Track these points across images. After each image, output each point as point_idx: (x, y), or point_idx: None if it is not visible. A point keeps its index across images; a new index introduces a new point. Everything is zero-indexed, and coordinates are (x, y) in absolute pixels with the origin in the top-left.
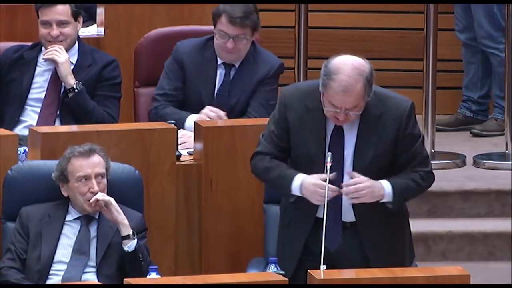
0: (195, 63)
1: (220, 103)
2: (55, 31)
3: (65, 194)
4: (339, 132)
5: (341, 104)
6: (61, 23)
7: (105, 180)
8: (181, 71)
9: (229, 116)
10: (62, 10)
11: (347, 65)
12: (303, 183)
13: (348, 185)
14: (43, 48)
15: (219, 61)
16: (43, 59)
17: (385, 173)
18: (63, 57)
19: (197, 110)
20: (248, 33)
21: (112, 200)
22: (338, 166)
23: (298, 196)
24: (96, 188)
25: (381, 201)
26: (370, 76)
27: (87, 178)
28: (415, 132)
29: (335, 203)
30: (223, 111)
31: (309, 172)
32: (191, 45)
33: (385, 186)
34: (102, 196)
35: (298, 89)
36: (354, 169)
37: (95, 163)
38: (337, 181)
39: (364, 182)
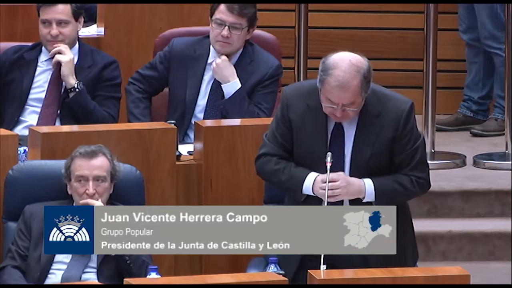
0: (184, 58)
1: (213, 100)
2: (54, 30)
3: (69, 193)
4: (339, 130)
5: (337, 100)
6: (61, 23)
7: (105, 184)
8: (164, 67)
9: (223, 116)
10: (63, 10)
11: (345, 61)
12: (316, 181)
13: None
14: (43, 48)
15: (211, 58)
16: (49, 57)
17: (384, 173)
18: (67, 56)
19: (181, 106)
20: (244, 24)
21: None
22: (338, 164)
23: (308, 195)
24: (91, 190)
25: (363, 200)
26: (368, 73)
27: (84, 179)
28: (413, 134)
29: (337, 201)
30: (215, 110)
31: (312, 171)
32: (186, 41)
33: (367, 185)
34: (92, 201)
35: (299, 88)
36: (352, 168)
37: (95, 165)
38: None
39: (339, 181)
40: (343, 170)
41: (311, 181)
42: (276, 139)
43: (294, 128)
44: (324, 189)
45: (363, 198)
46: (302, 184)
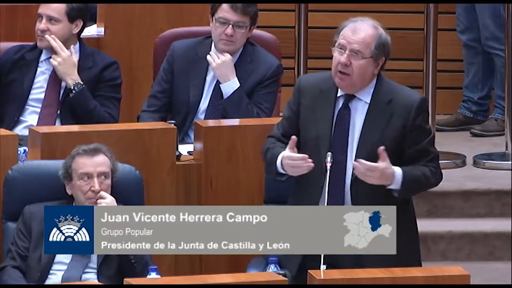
0: (187, 61)
1: (214, 101)
2: (42, 25)
3: (69, 193)
4: (346, 109)
5: (346, 42)
6: (51, 19)
7: (108, 181)
8: (170, 73)
9: (223, 117)
10: (56, 7)
11: (366, 19)
12: (283, 157)
13: (362, 164)
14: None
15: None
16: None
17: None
18: (57, 58)
19: (184, 108)
20: (248, 22)
21: (113, 201)
22: (342, 144)
23: (297, 187)
24: (97, 187)
25: (388, 187)
26: (385, 40)
27: (89, 176)
28: (426, 128)
29: (338, 201)
30: (218, 110)
31: (316, 154)
32: (187, 44)
33: (397, 172)
34: (104, 195)
35: (314, 76)
36: (358, 151)
37: (99, 162)
38: (341, 164)
39: (376, 171)
40: (345, 154)
41: (280, 159)
42: (282, 123)
43: (302, 112)
44: (292, 160)
45: (389, 184)
46: (277, 162)
